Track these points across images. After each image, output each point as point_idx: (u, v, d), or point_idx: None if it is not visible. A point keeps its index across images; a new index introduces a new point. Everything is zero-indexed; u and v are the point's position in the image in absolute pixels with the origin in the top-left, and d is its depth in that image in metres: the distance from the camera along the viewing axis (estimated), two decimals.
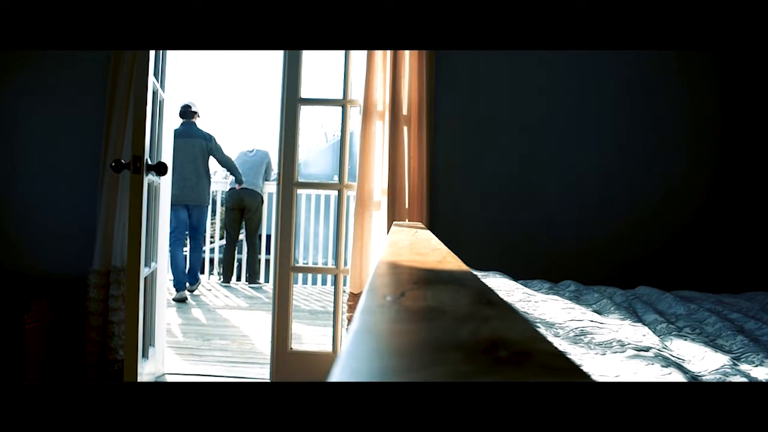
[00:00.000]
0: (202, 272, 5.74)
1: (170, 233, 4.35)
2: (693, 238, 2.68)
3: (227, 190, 5.68)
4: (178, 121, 4.31)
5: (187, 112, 4.66)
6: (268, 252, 5.78)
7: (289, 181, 2.73)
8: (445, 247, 0.98)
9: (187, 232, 4.91)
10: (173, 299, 4.65)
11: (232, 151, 5.93)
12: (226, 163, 5.10)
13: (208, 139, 4.72)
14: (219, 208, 5.98)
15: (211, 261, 6.11)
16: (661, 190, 2.70)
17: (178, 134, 4.27)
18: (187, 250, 5.07)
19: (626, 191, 2.71)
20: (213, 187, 5.75)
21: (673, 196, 2.70)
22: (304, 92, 2.75)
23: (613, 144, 2.73)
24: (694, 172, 2.71)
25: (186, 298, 4.78)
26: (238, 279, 6.01)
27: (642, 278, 2.38)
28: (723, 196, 2.69)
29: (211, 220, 6.12)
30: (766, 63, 2.68)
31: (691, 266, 2.65)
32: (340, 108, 2.79)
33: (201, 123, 4.79)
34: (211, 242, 6.23)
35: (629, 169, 2.72)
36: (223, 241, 5.85)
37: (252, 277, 5.75)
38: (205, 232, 5.17)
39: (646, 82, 2.74)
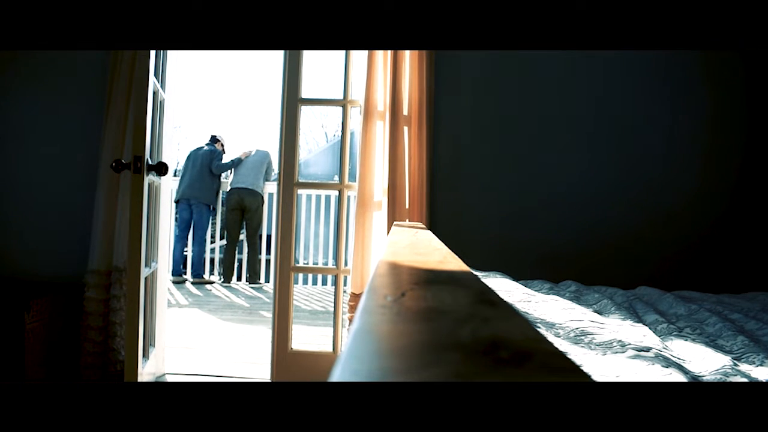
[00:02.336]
0: (204, 270, 5.81)
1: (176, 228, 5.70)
2: (695, 239, 2.68)
3: (227, 190, 5.71)
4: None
5: (213, 138, 5.88)
6: (268, 252, 5.80)
7: (289, 181, 2.73)
8: (446, 248, 0.97)
9: (190, 229, 5.71)
10: (192, 282, 5.70)
11: (231, 152, 6.04)
12: (221, 169, 5.73)
13: (212, 151, 5.69)
14: (219, 209, 6.01)
15: (212, 261, 6.11)
16: (663, 193, 2.70)
17: (198, 148, 5.73)
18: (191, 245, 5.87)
19: (628, 192, 2.71)
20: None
21: (674, 198, 2.70)
22: (305, 92, 2.75)
23: (615, 145, 2.72)
24: (703, 176, 2.70)
25: (184, 282, 5.72)
26: (239, 279, 6.01)
27: (643, 279, 2.38)
28: (727, 199, 2.69)
29: (212, 220, 6.14)
30: None
31: (692, 267, 2.65)
32: (340, 108, 2.79)
33: (226, 150, 6.00)
34: (212, 242, 6.24)
35: (631, 170, 2.71)
36: (224, 242, 5.88)
37: (252, 277, 5.75)
38: (205, 228, 5.69)
39: (652, 82, 2.73)
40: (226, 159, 5.79)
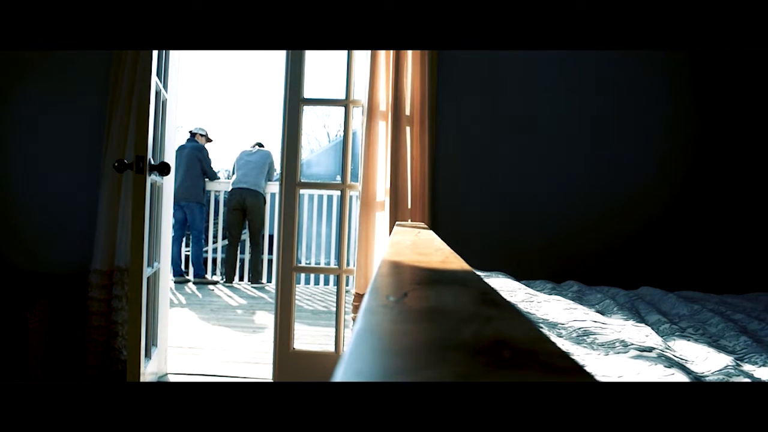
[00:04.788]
0: (206, 270, 5.82)
1: None
2: (696, 239, 2.67)
3: (229, 190, 5.71)
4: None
5: (191, 134, 5.74)
6: (270, 252, 5.81)
7: (291, 181, 2.73)
8: (448, 248, 0.97)
9: (187, 231, 5.66)
10: (194, 283, 5.67)
11: (233, 152, 6.05)
12: (215, 177, 5.83)
13: (198, 148, 5.61)
14: (221, 209, 6.01)
15: (214, 261, 6.12)
16: (665, 193, 2.70)
17: (182, 146, 5.58)
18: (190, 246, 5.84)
19: (629, 192, 2.70)
20: (217, 187, 5.91)
21: (680, 199, 2.69)
22: (307, 92, 2.75)
23: (619, 145, 2.72)
24: (703, 176, 2.70)
25: (186, 282, 5.70)
26: (241, 279, 6.02)
27: (645, 279, 2.38)
28: (728, 198, 2.68)
29: (214, 220, 6.14)
30: (740, 62, 2.68)
31: (694, 267, 2.64)
32: (342, 108, 2.79)
33: (211, 145, 5.91)
34: (214, 242, 6.24)
35: (634, 170, 2.71)
36: (226, 242, 5.88)
37: (255, 277, 5.76)
38: (200, 228, 5.66)
39: (641, 80, 2.73)
40: (210, 148, 5.81)
